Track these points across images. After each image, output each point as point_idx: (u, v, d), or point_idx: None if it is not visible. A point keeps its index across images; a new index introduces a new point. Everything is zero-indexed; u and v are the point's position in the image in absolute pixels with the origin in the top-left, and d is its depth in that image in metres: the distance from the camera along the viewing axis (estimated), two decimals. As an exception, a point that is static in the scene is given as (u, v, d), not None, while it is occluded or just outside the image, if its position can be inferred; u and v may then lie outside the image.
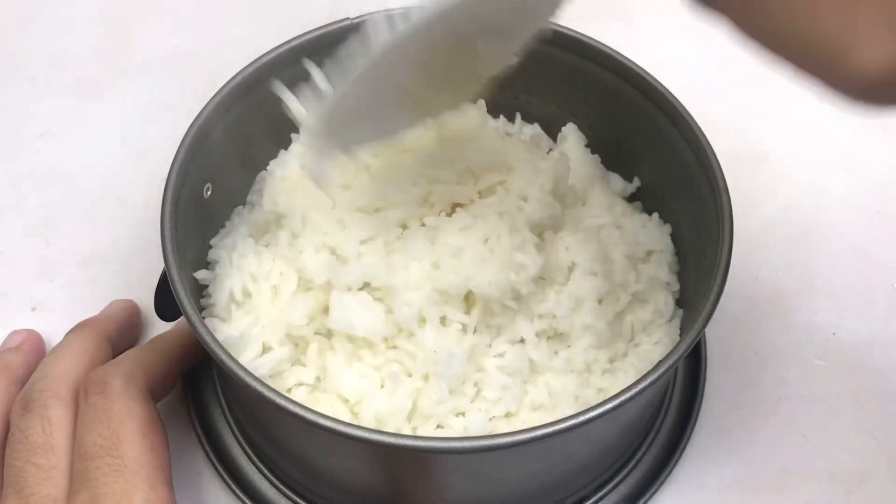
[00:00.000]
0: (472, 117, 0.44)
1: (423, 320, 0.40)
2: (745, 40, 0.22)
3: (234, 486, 0.45)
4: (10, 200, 0.56)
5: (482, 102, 0.48)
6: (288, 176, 0.44)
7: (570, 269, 0.43)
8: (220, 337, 0.38)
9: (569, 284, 0.42)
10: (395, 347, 0.40)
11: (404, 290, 0.39)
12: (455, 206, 0.43)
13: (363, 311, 0.40)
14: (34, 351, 0.47)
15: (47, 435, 0.38)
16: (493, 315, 0.41)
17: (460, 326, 0.40)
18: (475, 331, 0.40)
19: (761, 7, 0.21)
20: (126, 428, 0.38)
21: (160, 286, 0.48)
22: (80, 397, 0.39)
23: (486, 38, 0.35)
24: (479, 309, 0.40)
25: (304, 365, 0.41)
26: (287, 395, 0.38)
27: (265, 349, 0.40)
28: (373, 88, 0.35)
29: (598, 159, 0.49)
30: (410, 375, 0.40)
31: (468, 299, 0.41)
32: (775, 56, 0.21)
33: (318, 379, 0.41)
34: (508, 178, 0.43)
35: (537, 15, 0.36)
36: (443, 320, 0.40)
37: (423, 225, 0.42)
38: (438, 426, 0.39)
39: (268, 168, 0.46)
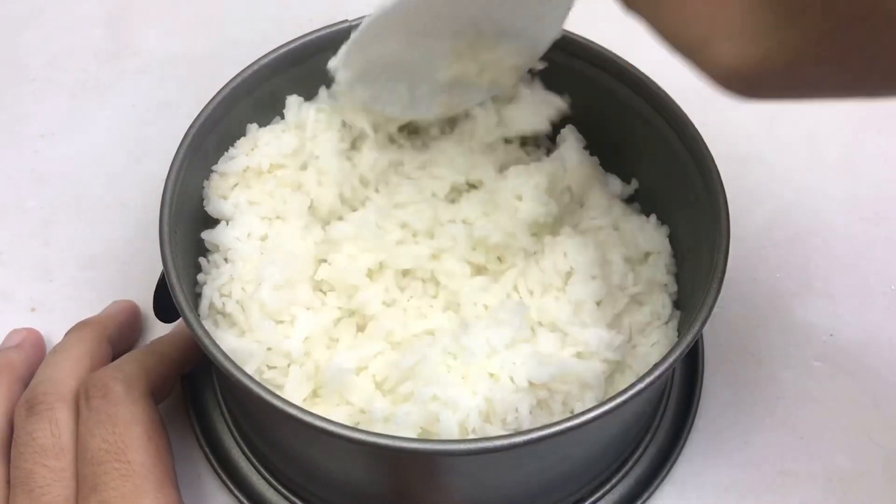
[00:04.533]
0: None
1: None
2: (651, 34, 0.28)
3: (233, 488, 0.45)
4: (10, 201, 0.56)
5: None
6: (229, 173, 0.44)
7: (569, 274, 0.43)
8: (224, 346, 0.38)
9: (567, 289, 0.42)
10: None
11: None
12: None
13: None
14: (35, 349, 0.47)
15: (56, 437, 0.39)
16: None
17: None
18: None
19: (652, 10, 0.27)
20: (132, 433, 0.38)
21: (159, 287, 0.48)
22: (81, 401, 0.39)
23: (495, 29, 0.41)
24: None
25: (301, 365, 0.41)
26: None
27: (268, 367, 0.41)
28: (403, 46, 0.41)
29: (597, 161, 0.49)
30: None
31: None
32: (665, 46, 0.27)
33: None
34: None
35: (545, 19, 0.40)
36: None
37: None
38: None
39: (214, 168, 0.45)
